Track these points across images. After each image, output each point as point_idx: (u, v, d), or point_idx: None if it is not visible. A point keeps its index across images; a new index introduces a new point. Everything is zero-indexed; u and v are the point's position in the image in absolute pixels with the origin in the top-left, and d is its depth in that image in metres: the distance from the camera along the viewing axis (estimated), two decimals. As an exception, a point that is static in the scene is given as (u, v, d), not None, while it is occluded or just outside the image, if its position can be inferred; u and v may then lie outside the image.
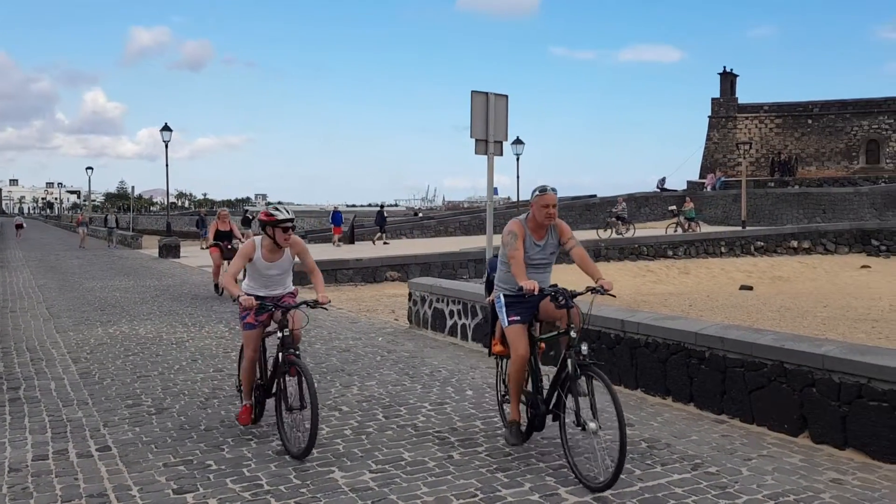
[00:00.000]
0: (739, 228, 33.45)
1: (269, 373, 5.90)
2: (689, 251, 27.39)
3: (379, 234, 34.25)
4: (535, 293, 4.92)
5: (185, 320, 12.16)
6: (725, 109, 58.17)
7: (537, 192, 5.30)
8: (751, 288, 21.90)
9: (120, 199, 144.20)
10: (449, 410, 6.48)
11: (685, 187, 52.72)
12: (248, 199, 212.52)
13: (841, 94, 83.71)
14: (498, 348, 5.58)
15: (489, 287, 5.74)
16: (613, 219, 32.72)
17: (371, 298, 15.95)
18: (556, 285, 5.18)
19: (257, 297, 5.58)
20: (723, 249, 28.00)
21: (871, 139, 53.99)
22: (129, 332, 11.03)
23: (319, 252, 25.95)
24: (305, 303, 5.61)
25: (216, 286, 15.25)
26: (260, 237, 5.74)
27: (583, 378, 4.76)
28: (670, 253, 26.99)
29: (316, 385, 7.35)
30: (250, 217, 38.57)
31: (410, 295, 11.54)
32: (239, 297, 5.38)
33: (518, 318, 5.22)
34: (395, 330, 11.18)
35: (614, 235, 30.36)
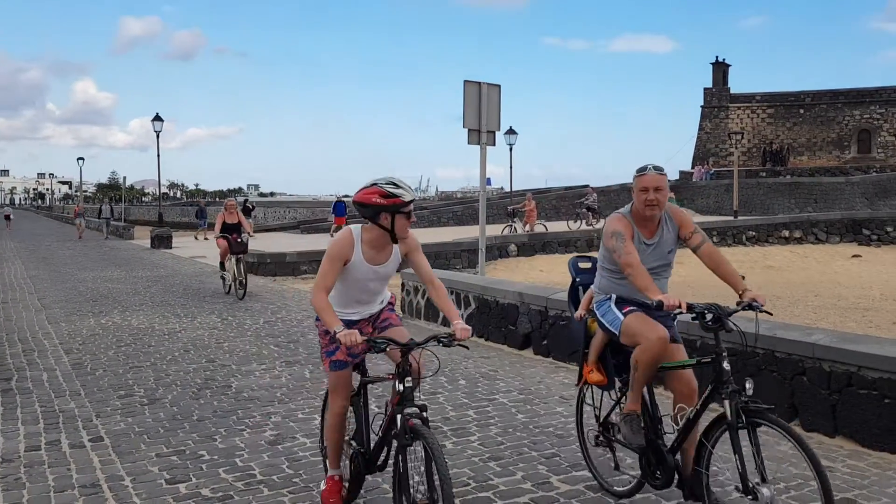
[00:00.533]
0: (731, 218, 33.55)
1: (372, 436, 4.26)
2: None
3: None
4: (682, 310, 3.70)
5: (178, 311, 12.14)
6: (718, 99, 58.25)
7: (635, 175, 4.09)
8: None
9: (111, 190, 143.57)
10: (442, 400, 6.50)
11: (678, 177, 52.81)
12: (239, 189, 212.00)
13: (833, 83, 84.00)
14: (595, 377, 4.36)
15: (574, 298, 4.64)
16: (584, 210, 32.74)
17: (364, 289, 15.94)
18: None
19: (349, 321, 4.03)
20: (715, 239, 28.03)
21: (863, 129, 54.16)
22: (121, 322, 11.01)
23: (315, 243, 25.94)
24: (437, 339, 3.80)
25: (222, 264, 14.34)
26: (358, 228, 3.96)
27: (748, 427, 3.61)
28: (662, 243, 27.05)
29: (308, 375, 7.40)
30: (250, 206, 38.42)
31: (403, 285, 11.55)
32: (337, 332, 3.63)
33: (635, 308, 4.07)
34: (388, 320, 11.18)
35: (584, 227, 30.44)
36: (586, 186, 50.39)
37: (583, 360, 4.46)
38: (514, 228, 28.85)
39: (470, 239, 22.75)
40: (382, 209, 3.77)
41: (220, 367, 7.91)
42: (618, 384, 4.35)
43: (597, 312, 4.23)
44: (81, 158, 57.60)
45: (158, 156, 35.33)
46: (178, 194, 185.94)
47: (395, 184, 3.78)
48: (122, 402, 6.60)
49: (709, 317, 3.72)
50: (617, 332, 4.06)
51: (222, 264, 14.20)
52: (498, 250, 23.54)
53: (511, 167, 44.03)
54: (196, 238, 33.71)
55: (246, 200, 42.35)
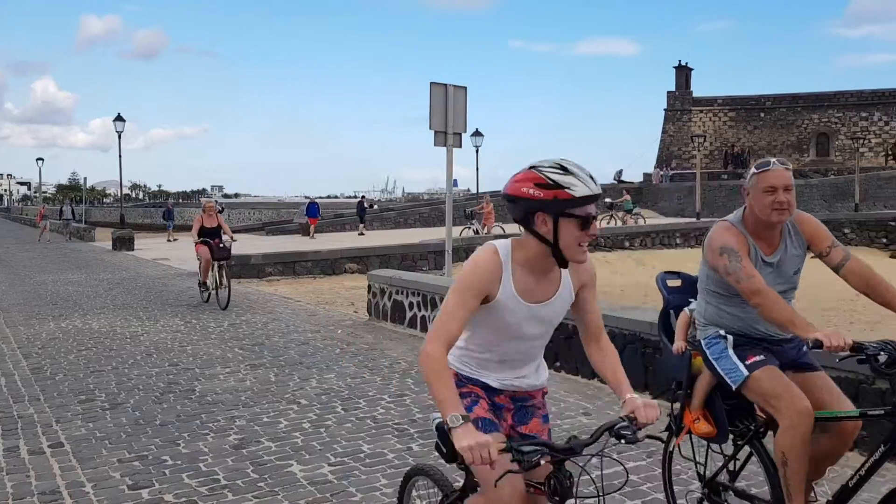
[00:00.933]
0: (694, 220, 34.04)
1: None
2: (645, 242, 27.78)
3: (361, 224, 35.50)
4: (846, 349, 2.83)
5: (140, 314, 11.96)
6: (681, 103, 59.07)
7: (754, 171, 3.15)
8: None
9: (72, 191, 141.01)
10: (408, 402, 6.49)
11: (641, 179, 53.44)
12: (203, 190, 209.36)
13: (793, 88, 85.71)
14: (703, 427, 3.42)
15: (665, 323, 3.78)
16: None
17: (330, 291, 15.87)
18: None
19: (489, 390, 2.66)
20: (678, 241, 28.45)
21: (822, 132, 55.33)
22: (82, 326, 10.81)
23: (280, 244, 25.76)
24: (614, 433, 2.39)
25: (203, 284, 12.95)
26: (506, 244, 2.52)
27: None
28: (627, 244, 27.33)
29: (273, 378, 7.36)
30: (220, 208, 37.94)
31: (370, 287, 11.51)
32: (452, 428, 2.17)
33: (762, 357, 3.20)
34: (355, 322, 11.15)
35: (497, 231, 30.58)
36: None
37: (683, 403, 3.52)
38: (475, 230, 28.80)
39: (436, 240, 22.77)
40: (540, 206, 2.34)
41: (184, 371, 7.82)
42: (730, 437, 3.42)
43: (706, 351, 3.32)
44: (41, 159, 56.59)
45: (120, 156, 34.86)
46: (141, 195, 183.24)
47: (563, 168, 2.34)
48: (83, 406, 6.49)
49: (883, 358, 2.89)
50: (735, 388, 3.20)
51: (205, 272, 12.78)
52: (465, 252, 23.57)
53: (477, 169, 44.22)
54: (169, 240, 33.23)
55: (215, 202, 41.97)
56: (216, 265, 12.57)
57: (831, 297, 17.62)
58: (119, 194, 32.17)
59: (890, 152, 50.87)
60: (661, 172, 53.25)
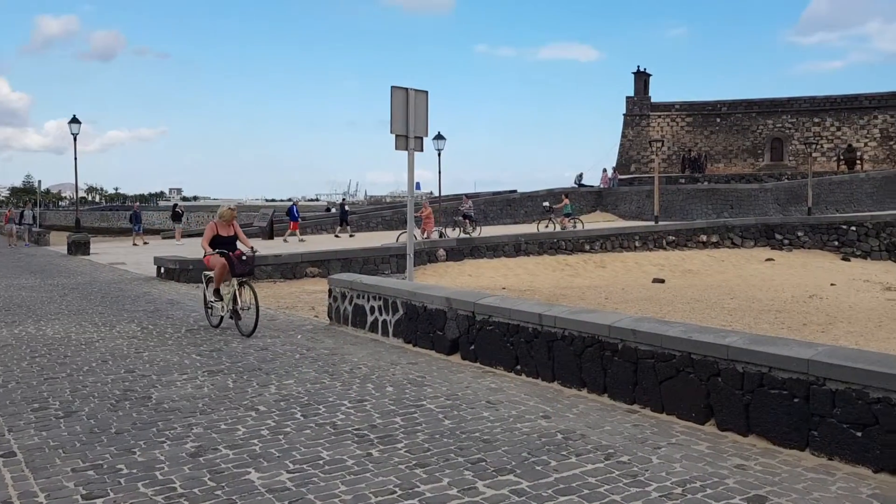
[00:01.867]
0: (653, 223, 34.46)
1: None
2: (605, 245, 28.08)
3: (342, 226, 35.63)
4: None
5: (96, 319, 11.75)
6: (639, 108, 59.82)
7: None
8: (663, 281, 22.62)
9: (26, 194, 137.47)
10: (369, 407, 6.48)
11: (601, 183, 53.96)
12: (162, 193, 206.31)
13: (748, 94, 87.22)
14: None
15: None
16: (460, 217, 32.68)
17: (290, 295, 15.75)
18: None
19: None
20: (637, 244, 28.82)
21: (776, 137, 56.47)
22: (35, 332, 10.58)
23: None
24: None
25: (215, 292, 10.70)
26: None
27: None
28: (587, 247, 27.61)
29: (232, 384, 7.29)
30: (180, 212, 37.28)
31: (330, 291, 11.46)
32: None
33: None
34: (315, 327, 11.09)
35: (462, 235, 30.03)
36: (514, 191, 51.09)
37: None
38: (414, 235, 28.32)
39: (398, 244, 22.75)
40: None
41: (140, 378, 7.70)
42: None
43: None
44: (-8, 161, 55.05)
45: (76, 158, 34.11)
46: (98, 198, 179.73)
47: None
48: (37, 415, 6.35)
49: None
50: None
51: (217, 291, 10.67)
52: (427, 255, 23.60)
53: (440, 172, 44.24)
54: (135, 244, 32.58)
55: (175, 206, 41.05)
56: (235, 282, 10.31)
57: (784, 299, 18.03)
58: (75, 197, 31.39)
59: (842, 157, 52.12)
60: (609, 176, 53.76)
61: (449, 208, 40.85)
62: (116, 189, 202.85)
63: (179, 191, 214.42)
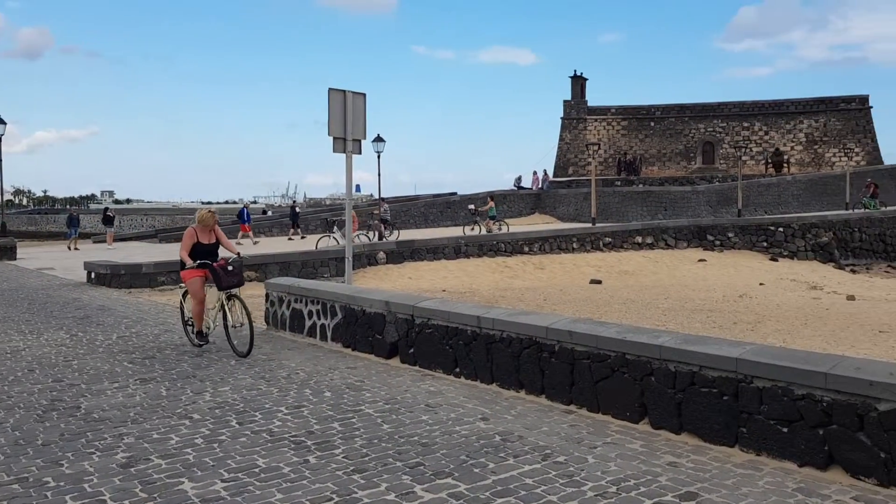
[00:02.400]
0: (590, 225, 35.01)
1: None
2: (543, 247, 28.39)
3: (294, 229, 35.60)
4: None
5: (22, 327, 11.33)
6: (576, 111, 60.77)
7: None
8: (600, 282, 23.00)
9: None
10: (306, 413, 6.41)
11: (540, 185, 54.60)
12: (93, 195, 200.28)
13: (681, 98, 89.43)
14: None
15: None
16: (376, 221, 31.95)
17: (227, 300, 15.46)
18: None
19: None
20: (575, 245, 29.22)
21: (707, 141, 58.08)
22: (-46, 342, 10.15)
23: (173, 252, 24.92)
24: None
25: (198, 333, 9.32)
26: None
27: None
28: (526, 249, 27.87)
29: (165, 392, 7.12)
30: (111, 215, 36.19)
31: (268, 296, 11.30)
32: None
33: None
34: (252, 332, 10.90)
35: (375, 240, 28.79)
36: (454, 194, 51.27)
37: None
38: (335, 240, 26.56)
39: (337, 247, 22.58)
40: None
41: (69, 387, 7.46)
42: None
43: None
44: None
45: (0, 160, 32.83)
46: (25, 201, 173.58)
47: None
48: (-45, 429, 6.08)
49: None
50: None
51: (199, 307, 9.25)
52: (367, 258, 23.49)
53: (379, 174, 44.03)
54: (69, 248, 31.41)
55: (106, 209, 39.80)
56: (224, 296, 9.10)
57: (715, 298, 18.53)
58: (0, 200, 30.17)
59: (769, 161, 53.88)
60: (540, 178, 54.28)
61: (365, 212, 40.09)
62: (45, 192, 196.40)
63: (112, 193, 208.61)
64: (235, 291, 9.08)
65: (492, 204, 34.29)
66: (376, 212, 32.99)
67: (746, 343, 6.05)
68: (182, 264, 9.12)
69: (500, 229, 32.13)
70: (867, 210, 36.25)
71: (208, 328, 9.29)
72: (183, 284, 9.63)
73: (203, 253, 9.24)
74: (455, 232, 32.47)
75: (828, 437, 4.82)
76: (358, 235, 27.66)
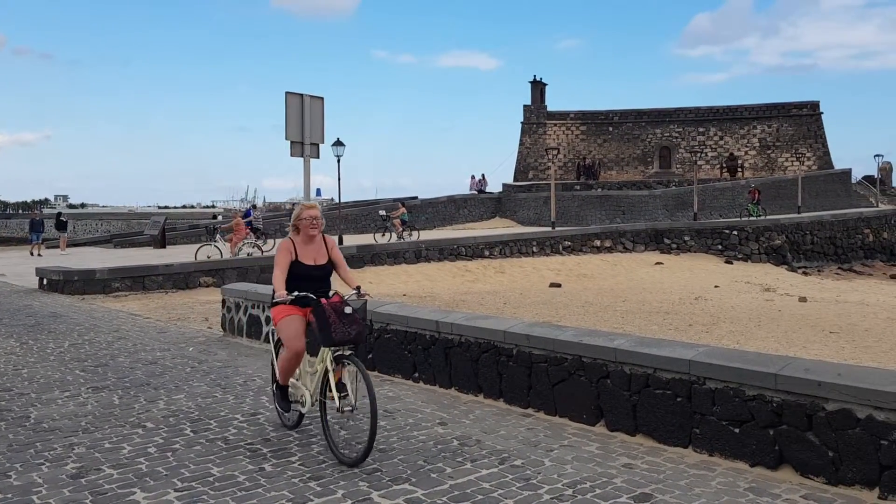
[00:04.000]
0: (549, 229, 35.27)
1: None
2: (504, 251, 28.53)
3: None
4: None
5: (-32, 336, 11.02)
6: (536, 116, 61.15)
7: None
8: (559, 285, 23.17)
9: None
10: (262, 421, 6.34)
11: (501, 189, 54.85)
12: (46, 200, 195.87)
13: (639, 103, 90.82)
14: None
15: None
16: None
17: (183, 306, 15.24)
18: None
19: None
20: (534, 249, 29.43)
21: (664, 146, 58.90)
22: None
23: (128, 257, 24.49)
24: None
25: (280, 395, 5.99)
26: None
27: None
28: (487, 253, 27.97)
29: (118, 401, 6.98)
30: (64, 220, 35.25)
31: (224, 301, 11.16)
32: None
33: None
34: (208, 339, 10.77)
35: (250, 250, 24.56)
36: (415, 198, 51.21)
37: None
38: (218, 248, 23.45)
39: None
40: None
41: (18, 396, 7.27)
42: None
43: None
44: None
45: (-54, 163, 31.91)
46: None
47: None
48: None
49: None
50: None
51: (290, 366, 5.89)
52: (325, 263, 23.30)
53: (339, 178, 43.80)
54: (31, 254, 30.30)
55: (59, 214, 38.76)
56: (329, 356, 5.53)
57: (672, 301, 18.80)
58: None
59: (724, 165, 54.84)
60: (478, 180, 54.14)
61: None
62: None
63: (66, 198, 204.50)
64: (350, 351, 5.58)
65: (403, 210, 32.59)
66: (242, 220, 27.57)
67: (700, 345, 6.14)
68: (273, 298, 5.70)
69: (409, 236, 29.96)
70: (752, 217, 36.46)
71: (302, 401, 5.83)
72: (274, 327, 6.00)
73: (305, 279, 5.79)
74: (366, 239, 30.73)
75: (778, 437, 4.91)
76: (241, 248, 23.75)
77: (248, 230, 25.18)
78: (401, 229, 30.64)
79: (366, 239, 30.82)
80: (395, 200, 39.57)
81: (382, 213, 34.11)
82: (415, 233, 31.05)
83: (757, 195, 38.93)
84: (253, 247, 24.28)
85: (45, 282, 18.25)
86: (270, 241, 27.09)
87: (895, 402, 4.38)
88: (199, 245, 24.22)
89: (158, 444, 5.72)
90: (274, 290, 5.66)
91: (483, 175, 55.25)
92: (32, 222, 32.77)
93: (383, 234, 30.78)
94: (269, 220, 43.85)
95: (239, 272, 19.71)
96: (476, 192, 53.54)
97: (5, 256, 31.48)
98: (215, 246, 23.39)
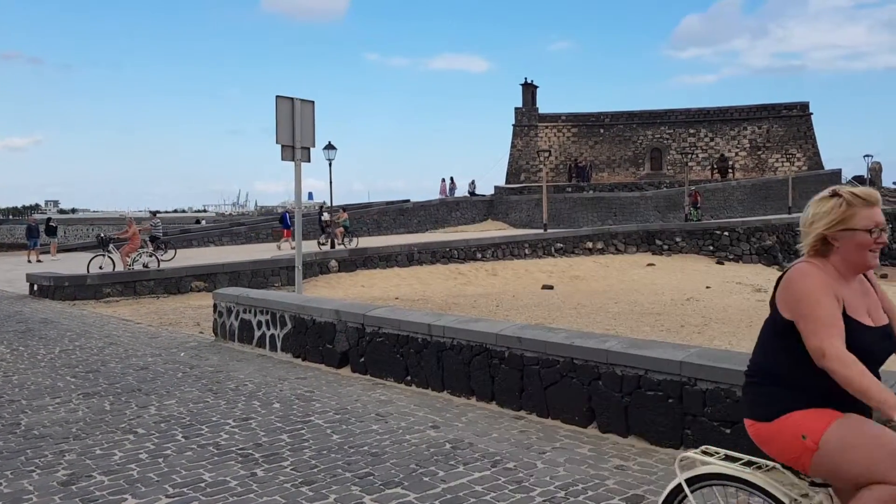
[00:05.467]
0: (542, 231, 35.33)
1: None
2: (496, 253, 28.56)
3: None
4: None
5: (-42, 343, 10.96)
6: (527, 118, 61.28)
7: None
8: (552, 287, 23.20)
9: None
10: (254, 426, 6.32)
11: (493, 192, 54.89)
12: (37, 205, 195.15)
13: (630, 105, 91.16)
14: None
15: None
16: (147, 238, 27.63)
17: (174, 311, 15.20)
18: None
19: None
20: (527, 251, 29.47)
21: (655, 147, 59.11)
22: None
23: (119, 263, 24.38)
24: None
25: None
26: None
27: None
28: (479, 255, 28.00)
29: (109, 407, 6.95)
30: (54, 225, 35.01)
31: (216, 306, 11.13)
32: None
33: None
34: (200, 343, 10.74)
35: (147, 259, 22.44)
36: (406, 201, 51.18)
37: None
38: (111, 259, 21.56)
39: (288, 255, 22.37)
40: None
41: (8, 403, 7.23)
42: None
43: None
44: None
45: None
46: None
47: None
48: None
49: None
50: None
51: None
52: (319, 267, 23.33)
53: (331, 182, 43.72)
54: (29, 260, 29.79)
55: (49, 219, 38.43)
56: None
57: (664, 302, 18.84)
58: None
59: (715, 166, 55.06)
60: (448, 185, 52.75)
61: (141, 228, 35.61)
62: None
63: (56, 203, 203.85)
64: None
65: (345, 215, 31.90)
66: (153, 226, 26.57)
67: (691, 346, 6.16)
68: (779, 382, 2.82)
69: (350, 243, 28.64)
70: (691, 220, 36.34)
71: None
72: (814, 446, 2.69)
73: (866, 353, 2.66)
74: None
75: (769, 437, 4.93)
76: (135, 259, 21.58)
77: (143, 240, 22.88)
78: (342, 236, 29.25)
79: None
80: (335, 207, 37.17)
81: (325, 217, 32.79)
82: (355, 239, 29.43)
83: (698, 198, 39.03)
84: (150, 256, 22.27)
85: (35, 287, 18.17)
86: (171, 252, 25.33)
87: (884, 402, 4.40)
88: (91, 256, 21.99)
89: (150, 449, 5.70)
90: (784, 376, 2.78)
91: (452, 178, 53.81)
92: (29, 228, 32.47)
93: (324, 241, 28.84)
94: (262, 224, 43.72)
95: (231, 276, 19.68)
96: (469, 195, 53.51)
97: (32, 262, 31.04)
98: (109, 257, 21.45)
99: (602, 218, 44.06)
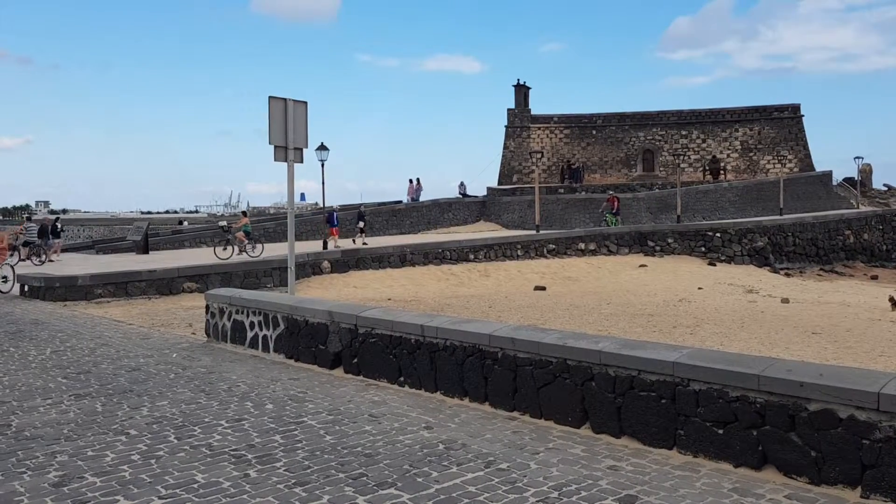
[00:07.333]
0: (534, 232, 35.33)
1: None
2: (489, 255, 28.56)
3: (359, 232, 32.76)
4: None
5: (-52, 344, 10.89)
6: (520, 120, 61.30)
7: None
8: (544, 288, 23.21)
9: None
10: (247, 426, 6.30)
11: (485, 193, 54.90)
12: (27, 206, 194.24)
13: (622, 107, 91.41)
14: None
15: None
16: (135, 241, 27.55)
17: (166, 312, 15.15)
18: None
19: None
20: (519, 252, 29.48)
21: (647, 149, 59.22)
22: None
23: (110, 264, 24.31)
24: None
25: None
26: None
27: None
28: (472, 256, 27.99)
29: (100, 408, 6.92)
30: (58, 227, 34.60)
31: (208, 307, 11.10)
32: None
33: None
34: (192, 344, 10.71)
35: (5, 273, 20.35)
36: (399, 202, 51.16)
37: None
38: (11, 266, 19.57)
39: (280, 256, 22.32)
40: None
41: (-2, 406, 7.20)
42: None
43: None
44: None
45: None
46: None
47: None
48: None
49: None
50: None
51: None
52: (312, 267, 23.30)
53: (323, 183, 43.70)
54: (42, 261, 28.61)
55: (57, 218, 37.91)
56: None
57: (656, 303, 18.88)
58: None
59: (707, 168, 55.21)
60: (415, 187, 51.58)
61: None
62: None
63: (47, 203, 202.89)
64: None
65: (246, 221, 29.68)
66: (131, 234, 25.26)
67: (683, 347, 6.17)
68: None
69: (253, 249, 26.55)
70: (609, 225, 36.00)
71: None
72: None
73: None
74: (205, 256, 25.97)
75: (761, 437, 4.95)
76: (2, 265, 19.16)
77: (15, 246, 21.39)
78: (245, 242, 27.30)
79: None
80: (241, 212, 34.48)
81: (224, 224, 30.66)
82: (259, 246, 27.75)
83: (616, 204, 38.75)
84: (15, 265, 20.00)
85: (26, 288, 18.08)
86: (55, 257, 24.01)
87: (876, 402, 4.42)
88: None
89: (142, 451, 5.67)
90: None
91: (418, 179, 52.41)
92: (42, 228, 32.00)
93: (224, 248, 26.00)
94: (253, 226, 43.59)
95: (223, 277, 19.63)
96: (461, 196, 53.47)
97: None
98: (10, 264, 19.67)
99: (594, 219, 44.10)
